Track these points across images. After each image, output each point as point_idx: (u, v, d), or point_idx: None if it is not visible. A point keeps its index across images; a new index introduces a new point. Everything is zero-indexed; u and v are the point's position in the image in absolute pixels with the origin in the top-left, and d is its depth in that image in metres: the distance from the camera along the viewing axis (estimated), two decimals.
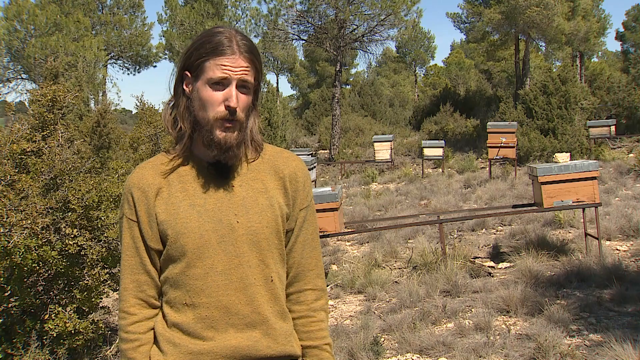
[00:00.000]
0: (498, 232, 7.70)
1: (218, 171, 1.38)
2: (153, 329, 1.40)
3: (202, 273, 1.33)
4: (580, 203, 5.82)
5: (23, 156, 4.04)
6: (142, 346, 1.38)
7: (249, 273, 1.35)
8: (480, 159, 16.23)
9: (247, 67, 1.33)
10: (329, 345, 1.47)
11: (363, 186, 13.64)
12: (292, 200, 1.43)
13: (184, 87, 1.38)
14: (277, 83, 54.63)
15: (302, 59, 42.71)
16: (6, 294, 3.74)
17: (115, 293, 5.01)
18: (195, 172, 1.39)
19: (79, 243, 3.77)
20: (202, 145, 1.38)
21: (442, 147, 14.78)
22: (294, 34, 20.70)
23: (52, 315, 3.75)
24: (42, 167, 3.97)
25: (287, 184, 1.43)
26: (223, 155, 1.35)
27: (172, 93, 1.42)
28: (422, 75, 47.17)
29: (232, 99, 1.32)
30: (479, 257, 6.49)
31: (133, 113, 42.77)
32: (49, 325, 3.68)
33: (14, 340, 3.75)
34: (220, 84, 1.33)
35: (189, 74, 1.37)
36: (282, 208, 1.40)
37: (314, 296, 1.47)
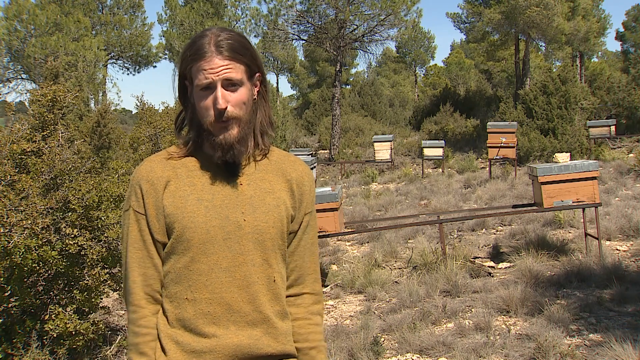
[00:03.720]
0: (498, 232, 7.69)
1: (226, 168, 1.40)
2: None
3: (206, 269, 1.34)
4: (580, 203, 5.82)
5: (23, 156, 4.04)
6: (153, 342, 1.38)
7: (252, 272, 1.36)
8: (480, 159, 16.23)
9: (228, 64, 1.33)
10: (324, 348, 1.50)
11: (363, 186, 13.63)
12: (298, 203, 1.45)
13: (188, 95, 1.42)
14: (277, 83, 54.61)
15: (302, 59, 42.72)
16: (6, 294, 3.74)
17: (115, 293, 5.01)
18: (204, 168, 1.40)
19: (79, 243, 3.77)
20: (209, 146, 1.41)
21: (442, 147, 14.78)
22: (294, 34, 20.70)
23: (53, 315, 3.75)
24: (42, 167, 3.97)
25: (294, 186, 1.45)
26: (227, 154, 1.36)
27: (180, 102, 1.45)
28: (422, 75, 47.15)
29: (218, 100, 1.33)
30: (479, 257, 6.49)
31: (133, 113, 42.77)
32: (49, 326, 3.68)
33: (14, 340, 3.75)
34: (208, 88, 1.34)
35: (187, 84, 1.40)
36: (288, 209, 1.42)
37: (311, 300, 1.49)
